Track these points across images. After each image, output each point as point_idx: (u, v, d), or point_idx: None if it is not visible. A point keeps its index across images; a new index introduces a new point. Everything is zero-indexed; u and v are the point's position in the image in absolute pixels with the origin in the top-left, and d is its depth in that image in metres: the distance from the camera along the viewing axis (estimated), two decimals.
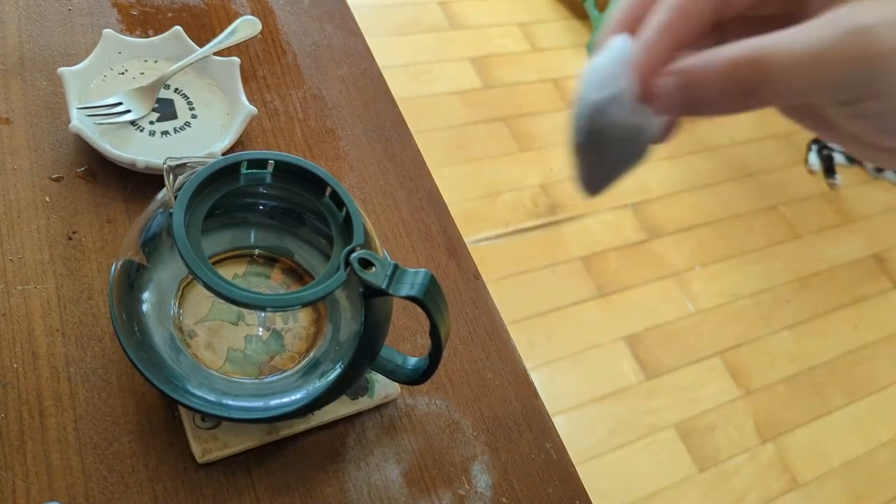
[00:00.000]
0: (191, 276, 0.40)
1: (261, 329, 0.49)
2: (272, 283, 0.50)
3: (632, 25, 0.27)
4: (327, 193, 0.44)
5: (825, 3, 0.25)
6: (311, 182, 0.44)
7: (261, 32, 0.65)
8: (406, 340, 0.55)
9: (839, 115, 0.27)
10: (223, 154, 0.55)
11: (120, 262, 0.46)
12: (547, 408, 0.54)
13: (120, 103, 0.57)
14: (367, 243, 0.42)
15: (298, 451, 0.48)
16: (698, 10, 0.26)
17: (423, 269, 0.41)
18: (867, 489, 1.47)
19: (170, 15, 0.66)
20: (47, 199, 0.53)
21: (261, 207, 0.50)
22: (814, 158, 2.02)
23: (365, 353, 0.44)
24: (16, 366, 0.47)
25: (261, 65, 0.66)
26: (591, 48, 1.96)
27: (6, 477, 0.43)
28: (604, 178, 0.29)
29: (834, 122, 0.28)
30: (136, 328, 0.46)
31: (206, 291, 0.40)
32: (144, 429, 0.46)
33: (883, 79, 0.24)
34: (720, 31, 0.28)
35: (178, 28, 0.61)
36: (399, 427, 0.51)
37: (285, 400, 0.46)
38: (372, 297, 0.41)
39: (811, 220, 1.87)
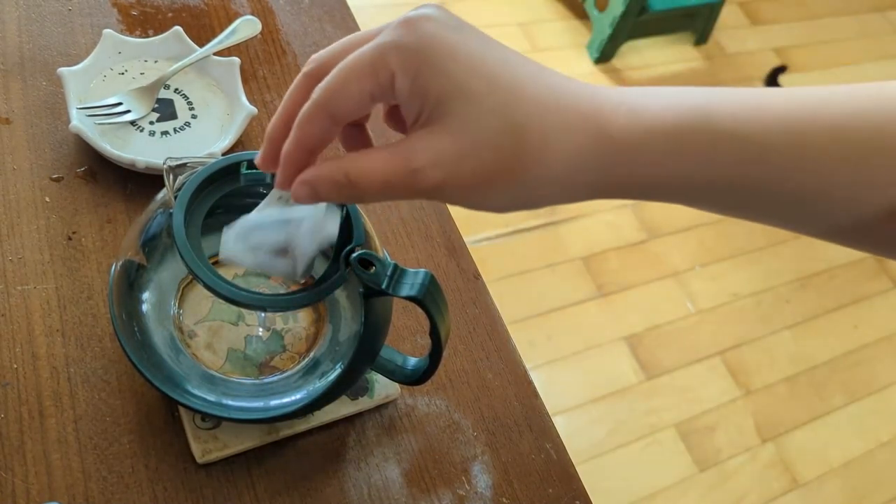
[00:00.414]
0: (191, 276, 0.40)
1: (261, 329, 0.49)
2: (272, 284, 0.50)
3: (279, 150, 0.34)
4: None
5: (411, 117, 0.32)
6: None
7: (261, 32, 0.65)
8: (406, 340, 0.55)
9: None
10: (223, 154, 0.55)
11: (120, 263, 0.46)
12: (547, 408, 0.54)
13: (120, 103, 0.57)
14: (367, 243, 0.42)
15: (298, 451, 0.48)
16: (315, 136, 0.32)
17: (423, 269, 0.41)
18: (867, 489, 1.47)
19: (170, 15, 0.66)
20: (47, 199, 0.53)
21: None
22: None
23: (365, 354, 0.44)
24: (16, 366, 0.47)
25: (261, 65, 0.66)
26: (590, 48, 1.96)
27: (6, 477, 0.43)
28: (299, 272, 0.37)
29: None
30: (136, 328, 0.46)
31: (206, 291, 0.40)
32: (144, 429, 0.46)
33: (444, 200, 0.32)
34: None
35: (178, 28, 0.61)
36: (399, 427, 0.51)
37: (285, 400, 0.46)
38: (372, 297, 0.41)
39: None
